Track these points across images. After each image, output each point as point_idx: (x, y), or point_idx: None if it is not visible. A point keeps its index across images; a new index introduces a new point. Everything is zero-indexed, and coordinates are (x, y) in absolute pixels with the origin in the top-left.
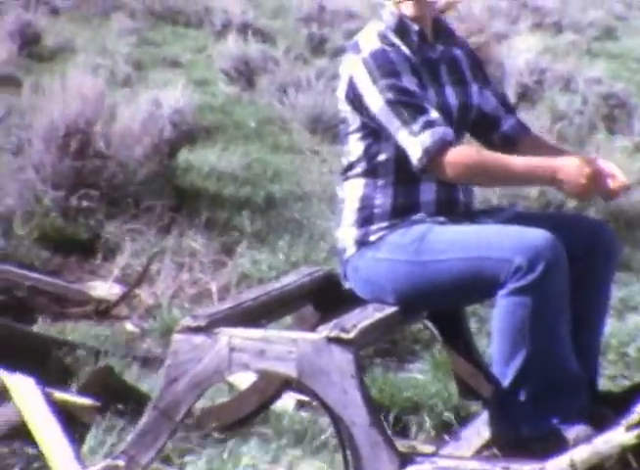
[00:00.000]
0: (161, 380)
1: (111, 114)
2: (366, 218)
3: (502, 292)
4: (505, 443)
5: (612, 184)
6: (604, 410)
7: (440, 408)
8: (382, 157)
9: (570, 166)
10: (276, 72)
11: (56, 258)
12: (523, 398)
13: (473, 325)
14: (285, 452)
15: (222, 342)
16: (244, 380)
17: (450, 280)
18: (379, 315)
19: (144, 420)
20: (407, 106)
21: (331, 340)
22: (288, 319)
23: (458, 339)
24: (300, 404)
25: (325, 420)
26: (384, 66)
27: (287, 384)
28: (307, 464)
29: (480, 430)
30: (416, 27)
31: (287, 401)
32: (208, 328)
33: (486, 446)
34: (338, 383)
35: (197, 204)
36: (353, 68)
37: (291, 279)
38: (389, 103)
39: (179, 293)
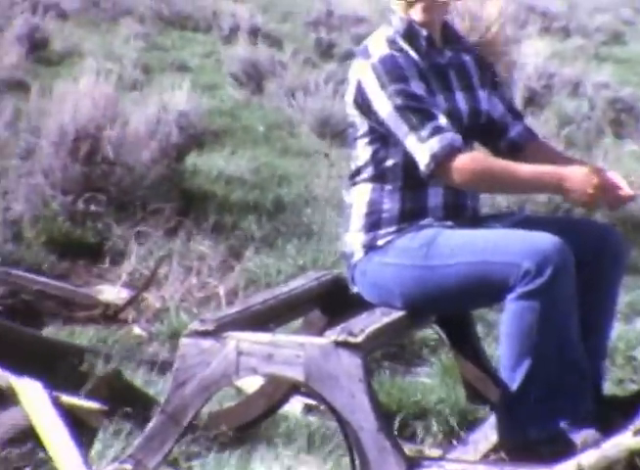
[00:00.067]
0: (169, 384)
1: (120, 118)
2: (374, 223)
3: (510, 296)
4: (513, 447)
5: (617, 194)
6: (611, 414)
7: (448, 413)
8: (390, 162)
9: (577, 175)
10: (284, 77)
11: (64, 262)
12: (530, 402)
13: (480, 330)
14: (293, 457)
15: (230, 346)
16: (251, 384)
17: (458, 284)
18: (386, 320)
19: (151, 424)
20: (416, 111)
21: (338, 344)
22: (296, 323)
23: (466, 343)
24: (308, 409)
25: (332, 424)
26: (392, 71)
27: (294, 388)
28: (315, 468)
29: (487, 434)
30: (425, 33)
31: (294, 406)
32: (216, 332)
33: (494, 450)
34: (345, 387)
35: (205, 208)
36: (362, 73)
37: (299, 283)
38: (398, 108)
39: (187, 297)
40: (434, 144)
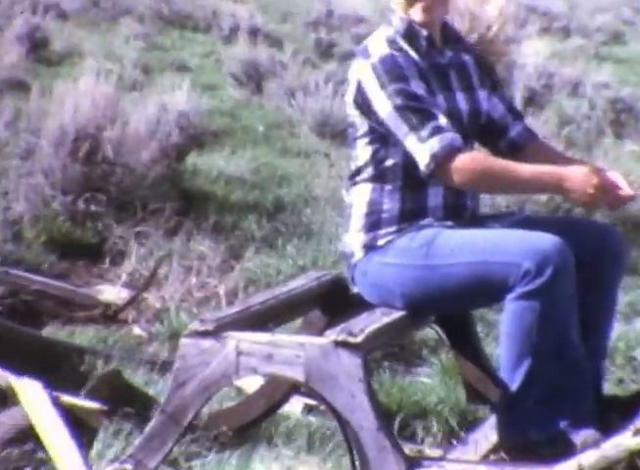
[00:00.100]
0: (169, 384)
1: (120, 118)
2: (374, 223)
3: (510, 296)
4: (512, 447)
5: (617, 194)
6: (611, 414)
7: (448, 413)
8: (389, 162)
9: (577, 175)
10: (284, 77)
11: (64, 261)
12: (530, 402)
13: (480, 330)
14: (293, 457)
15: (230, 346)
16: (251, 384)
17: (458, 284)
18: (386, 320)
19: (151, 424)
20: (416, 111)
21: (338, 344)
22: (296, 323)
23: (466, 343)
24: (308, 408)
25: (332, 424)
26: (392, 71)
27: (294, 388)
28: (316, 468)
29: (487, 434)
30: (425, 33)
31: (294, 406)
32: (216, 332)
33: (494, 450)
34: (345, 387)
35: (205, 208)
36: (362, 72)
37: (298, 283)
38: (398, 108)
39: (187, 297)
40: (434, 144)
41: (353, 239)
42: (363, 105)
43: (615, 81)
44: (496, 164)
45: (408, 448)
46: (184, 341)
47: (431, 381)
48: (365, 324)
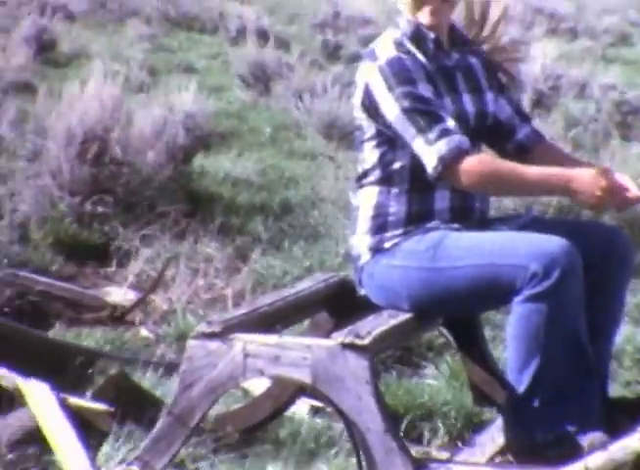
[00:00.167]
0: (176, 386)
1: (127, 120)
2: (380, 226)
3: (517, 298)
4: (519, 449)
5: (625, 196)
6: (619, 416)
7: (454, 415)
8: (397, 165)
9: (585, 177)
10: (291, 78)
11: (71, 263)
12: (537, 404)
13: (487, 332)
14: (299, 459)
15: (237, 348)
16: (258, 386)
17: (466, 286)
18: (393, 322)
19: (158, 426)
20: (423, 114)
21: (345, 346)
22: (303, 325)
23: (473, 346)
24: (315, 410)
25: (339, 426)
26: (400, 73)
27: (301, 390)
28: None
29: (494, 436)
30: (432, 35)
31: (301, 407)
32: (223, 334)
33: (501, 452)
34: (352, 389)
35: (211, 209)
36: (369, 75)
37: (305, 285)
38: (405, 111)
39: (194, 298)
40: (442, 146)
41: (360, 241)
42: (370, 107)
43: (622, 83)
44: (504, 167)
45: (415, 450)
46: (191, 342)
47: (437, 383)
48: (372, 326)
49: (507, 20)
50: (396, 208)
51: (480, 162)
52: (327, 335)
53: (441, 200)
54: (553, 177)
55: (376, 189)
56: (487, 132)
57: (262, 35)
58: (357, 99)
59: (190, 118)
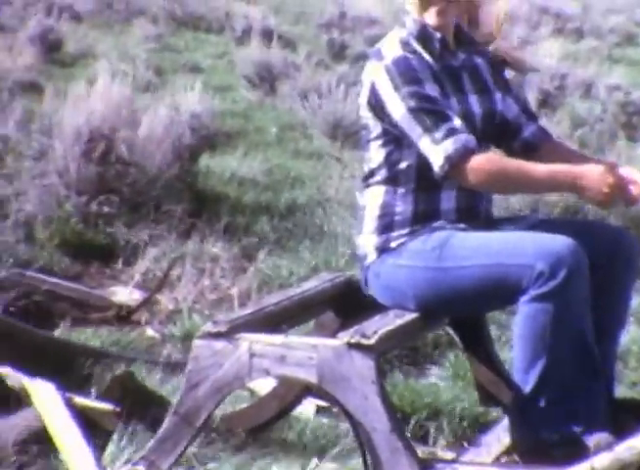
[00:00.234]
0: (182, 385)
1: (133, 119)
2: (387, 226)
3: (524, 298)
4: (525, 449)
5: (634, 191)
6: (625, 417)
7: (460, 415)
8: (403, 164)
9: (592, 173)
10: (297, 78)
11: (77, 263)
12: (543, 404)
13: (493, 332)
14: (305, 459)
15: (243, 347)
16: (264, 386)
17: (472, 286)
18: (399, 322)
19: (164, 426)
20: (429, 113)
21: (351, 346)
22: (308, 325)
23: (479, 346)
24: (320, 410)
25: (345, 426)
26: (406, 73)
27: (307, 390)
28: None
29: (500, 436)
30: (438, 35)
31: (307, 407)
32: (229, 334)
33: (506, 452)
34: (358, 389)
35: (217, 209)
36: (375, 75)
37: (311, 285)
38: (412, 110)
39: (200, 298)
40: (449, 146)
41: (366, 241)
42: (377, 107)
43: (627, 83)
44: (510, 165)
45: (421, 450)
46: (197, 342)
47: (443, 383)
48: (378, 326)
49: (512, 20)
50: (403, 207)
51: (488, 160)
52: (333, 335)
53: (447, 200)
54: (560, 174)
55: (382, 188)
56: (494, 131)
57: (268, 35)
58: (363, 98)
59: (196, 118)
